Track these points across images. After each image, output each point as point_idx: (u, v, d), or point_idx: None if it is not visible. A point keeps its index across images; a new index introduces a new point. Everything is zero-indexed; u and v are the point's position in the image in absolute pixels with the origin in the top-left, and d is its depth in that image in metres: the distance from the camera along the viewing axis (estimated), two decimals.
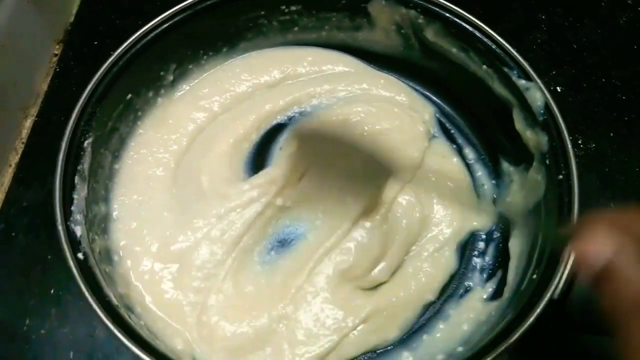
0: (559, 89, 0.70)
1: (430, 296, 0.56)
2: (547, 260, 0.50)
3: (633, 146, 0.68)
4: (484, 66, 0.60)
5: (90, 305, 0.46)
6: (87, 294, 0.46)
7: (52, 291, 0.58)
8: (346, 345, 0.53)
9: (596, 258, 0.32)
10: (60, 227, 0.49)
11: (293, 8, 0.65)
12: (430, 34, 0.62)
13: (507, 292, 0.54)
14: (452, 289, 0.58)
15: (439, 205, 0.60)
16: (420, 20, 0.62)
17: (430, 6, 0.60)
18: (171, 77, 0.63)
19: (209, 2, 0.61)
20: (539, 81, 0.56)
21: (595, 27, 0.76)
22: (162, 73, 0.63)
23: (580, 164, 0.53)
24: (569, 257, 0.47)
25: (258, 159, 0.63)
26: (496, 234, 0.60)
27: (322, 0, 0.64)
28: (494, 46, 0.58)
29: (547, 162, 0.54)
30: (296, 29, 0.67)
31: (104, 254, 0.54)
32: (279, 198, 0.58)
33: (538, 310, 0.46)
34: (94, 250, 0.51)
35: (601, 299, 0.33)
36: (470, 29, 0.59)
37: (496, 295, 0.56)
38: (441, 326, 0.55)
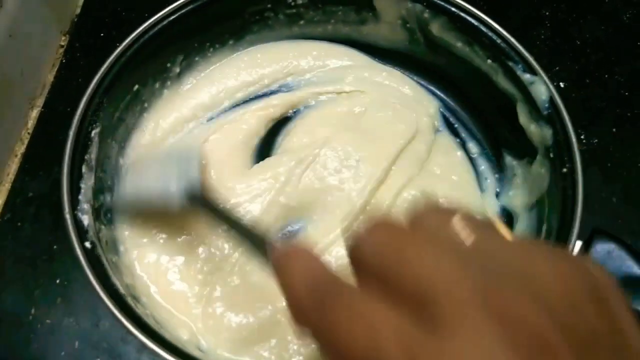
0: (562, 84, 0.71)
1: None
2: None
3: (636, 142, 0.69)
4: (489, 60, 0.60)
5: (97, 294, 0.46)
6: (94, 282, 0.46)
7: (57, 281, 0.58)
8: None
9: None
10: (67, 216, 0.49)
11: (300, 1, 0.65)
12: (435, 28, 0.63)
13: None
14: None
15: (443, 200, 0.60)
16: (425, 15, 0.62)
17: (436, 0, 0.60)
18: (178, 69, 0.64)
19: None
20: (543, 75, 0.56)
21: (599, 24, 0.76)
22: (168, 65, 0.63)
23: (583, 159, 0.53)
24: (572, 251, 0.47)
25: (265, 154, 0.63)
26: None
27: None
28: (498, 40, 0.58)
29: (551, 155, 0.55)
30: (302, 22, 0.67)
31: (110, 244, 0.54)
32: (281, 196, 0.58)
33: None
34: (101, 240, 0.51)
35: None
36: (476, 23, 0.59)
37: None
38: None
